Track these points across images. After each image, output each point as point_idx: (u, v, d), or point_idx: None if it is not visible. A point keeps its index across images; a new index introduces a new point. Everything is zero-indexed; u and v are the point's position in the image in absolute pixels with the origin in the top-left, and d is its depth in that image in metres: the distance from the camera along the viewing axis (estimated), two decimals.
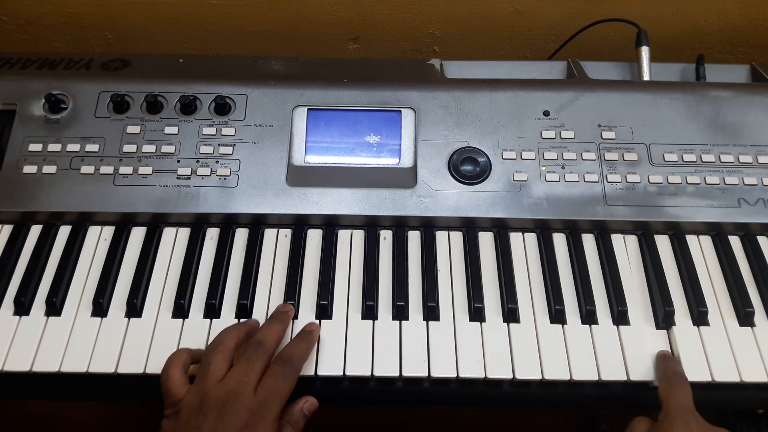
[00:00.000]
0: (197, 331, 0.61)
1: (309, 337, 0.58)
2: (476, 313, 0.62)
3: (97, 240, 0.67)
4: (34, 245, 0.66)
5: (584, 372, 0.58)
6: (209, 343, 0.57)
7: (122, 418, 1.08)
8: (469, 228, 0.68)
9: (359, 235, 0.68)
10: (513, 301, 0.62)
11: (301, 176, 0.69)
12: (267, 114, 0.71)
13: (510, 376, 0.58)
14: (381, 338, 0.60)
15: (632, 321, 0.62)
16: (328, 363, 0.58)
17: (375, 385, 0.59)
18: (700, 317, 0.62)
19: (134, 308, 0.62)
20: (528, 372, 0.58)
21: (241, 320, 0.62)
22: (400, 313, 0.62)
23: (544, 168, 0.69)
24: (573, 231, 0.68)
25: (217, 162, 0.68)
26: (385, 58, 0.93)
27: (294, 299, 0.62)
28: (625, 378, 0.58)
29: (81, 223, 0.68)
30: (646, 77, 0.79)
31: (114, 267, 0.65)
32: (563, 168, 0.69)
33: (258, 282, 0.64)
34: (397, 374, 0.58)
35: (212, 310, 0.62)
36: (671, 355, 0.60)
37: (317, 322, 0.61)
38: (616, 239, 0.68)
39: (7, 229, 0.67)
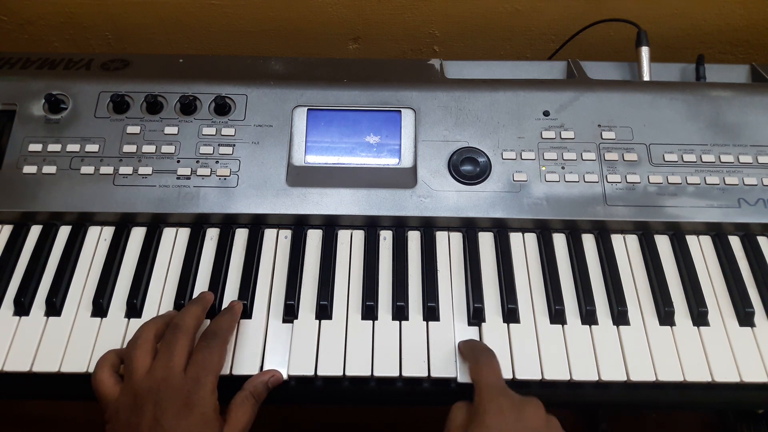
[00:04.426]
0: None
1: (231, 311, 0.59)
2: (476, 314, 0.62)
3: (97, 240, 0.67)
4: (34, 245, 0.66)
5: (584, 372, 0.58)
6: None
7: None
8: (469, 228, 0.68)
9: (359, 235, 0.68)
10: (513, 302, 0.62)
11: (301, 176, 0.69)
12: (267, 114, 0.71)
13: (510, 377, 0.58)
14: (381, 338, 0.60)
15: (632, 321, 0.62)
16: (328, 363, 0.58)
17: (375, 386, 0.59)
18: (700, 317, 0.62)
19: (134, 308, 0.62)
20: (528, 372, 0.58)
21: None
22: (399, 313, 0.62)
23: (544, 168, 0.69)
24: (573, 231, 0.68)
25: (217, 162, 0.68)
26: (385, 58, 0.93)
27: (294, 299, 0.62)
28: (625, 378, 0.58)
29: (81, 223, 0.68)
30: (646, 77, 0.79)
31: (114, 267, 0.65)
32: (563, 168, 0.69)
33: (258, 282, 0.64)
34: (397, 374, 0.58)
35: (212, 311, 0.62)
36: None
37: (317, 322, 0.61)
38: (616, 239, 0.68)
39: (7, 229, 0.67)
